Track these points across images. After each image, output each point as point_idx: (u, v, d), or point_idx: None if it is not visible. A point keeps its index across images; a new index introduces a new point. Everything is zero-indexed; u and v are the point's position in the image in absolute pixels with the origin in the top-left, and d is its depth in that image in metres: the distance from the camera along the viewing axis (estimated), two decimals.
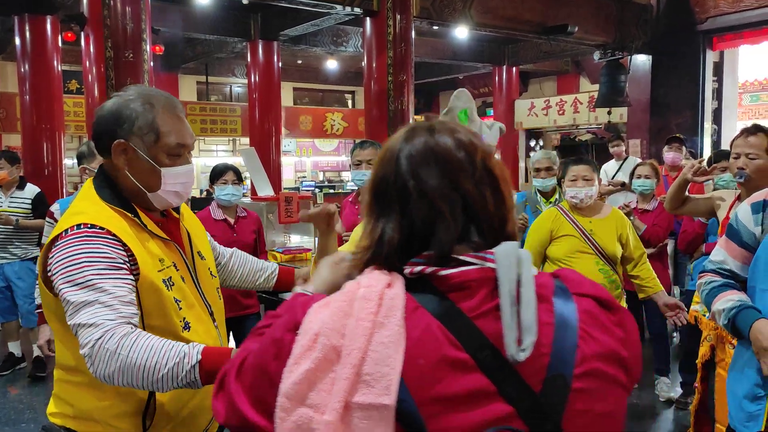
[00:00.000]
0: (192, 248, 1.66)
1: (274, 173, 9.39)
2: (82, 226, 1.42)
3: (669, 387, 4.52)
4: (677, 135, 6.10)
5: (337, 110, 14.67)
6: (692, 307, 3.26)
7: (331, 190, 12.62)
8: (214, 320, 1.64)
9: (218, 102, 13.86)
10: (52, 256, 1.41)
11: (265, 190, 4.59)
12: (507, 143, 12.38)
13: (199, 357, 1.29)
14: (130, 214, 1.51)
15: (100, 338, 1.29)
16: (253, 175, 4.74)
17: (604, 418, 0.84)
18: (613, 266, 3.27)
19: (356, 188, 3.78)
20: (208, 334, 1.59)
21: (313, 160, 15.82)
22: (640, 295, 3.43)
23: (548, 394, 0.80)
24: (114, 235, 1.43)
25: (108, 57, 5.19)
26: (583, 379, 0.82)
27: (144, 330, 1.37)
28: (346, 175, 14.79)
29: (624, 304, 3.36)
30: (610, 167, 6.96)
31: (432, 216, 0.85)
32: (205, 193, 11.50)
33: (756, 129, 2.84)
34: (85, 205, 1.50)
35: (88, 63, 5.44)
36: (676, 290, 5.37)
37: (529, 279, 0.83)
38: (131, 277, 1.41)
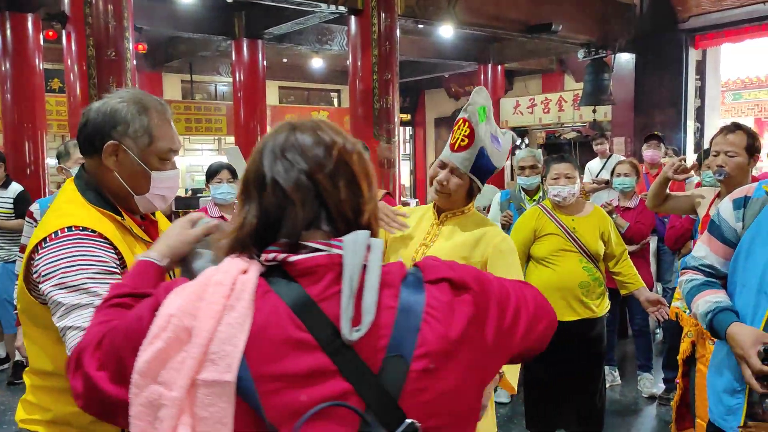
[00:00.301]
0: None
1: None
2: (73, 229, 1.41)
3: (651, 383, 4.57)
4: (655, 133, 6.16)
5: (323, 109, 14.64)
6: (673, 303, 3.29)
7: None
8: None
9: (203, 101, 13.77)
10: (40, 258, 1.40)
11: None
12: None
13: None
14: (117, 217, 1.53)
15: None
16: (238, 173, 4.74)
17: (446, 396, 0.90)
18: (596, 263, 3.30)
19: None
20: None
21: None
22: (622, 292, 3.46)
23: (387, 373, 0.86)
24: (105, 238, 1.43)
25: (90, 55, 5.13)
26: (423, 359, 0.88)
27: None
28: None
29: (607, 301, 3.38)
30: (594, 165, 7.00)
31: (284, 205, 0.92)
32: (190, 192, 11.43)
33: (735, 127, 2.87)
34: (71, 208, 1.49)
35: (69, 61, 5.39)
36: (659, 287, 5.41)
37: (376, 266, 0.90)
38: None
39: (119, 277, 1.39)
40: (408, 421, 0.86)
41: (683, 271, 2.01)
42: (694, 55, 9.07)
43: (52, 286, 1.35)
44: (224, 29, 9.19)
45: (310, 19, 7.99)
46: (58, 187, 8.51)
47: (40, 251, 1.40)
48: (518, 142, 14.45)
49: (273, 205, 0.94)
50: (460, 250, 2.04)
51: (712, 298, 1.82)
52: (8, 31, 6.58)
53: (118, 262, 1.42)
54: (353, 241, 0.90)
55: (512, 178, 12.50)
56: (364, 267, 0.90)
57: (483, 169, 2.07)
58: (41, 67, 7.16)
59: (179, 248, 1.28)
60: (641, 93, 9.33)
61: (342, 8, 6.90)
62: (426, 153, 16.75)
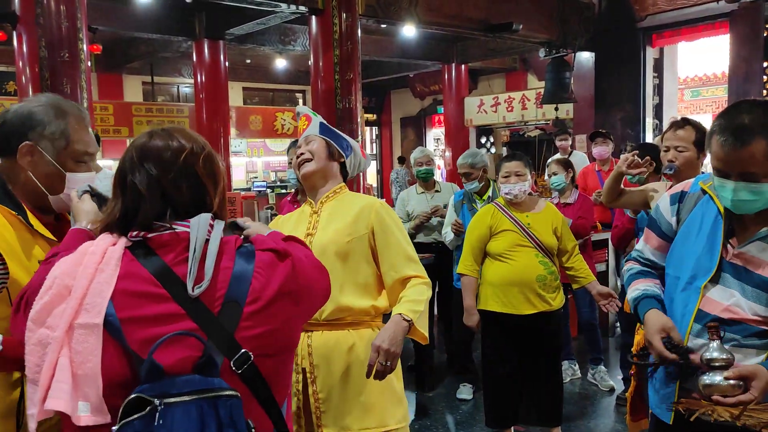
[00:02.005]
0: None
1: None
2: None
3: (606, 374, 4.62)
4: (600, 130, 6.30)
5: (288, 110, 14.54)
6: (627, 297, 3.34)
7: (283, 190, 12.51)
8: None
9: (165, 103, 13.58)
10: None
11: None
12: (458, 140, 12.48)
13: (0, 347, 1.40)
14: (15, 213, 1.54)
15: None
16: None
17: (273, 333, 1.21)
18: (551, 258, 3.35)
19: (296, 187, 3.77)
20: None
21: (264, 160, 15.65)
22: (574, 286, 3.51)
23: (224, 315, 1.17)
24: None
25: (42, 57, 5.01)
26: (252, 305, 1.19)
27: None
28: None
29: (562, 295, 3.43)
30: None
31: (139, 202, 1.21)
32: None
33: (684, 122, 2.93)
34: None
35: (21, 63, 5.26)
36: (617, 281, 5.50)
37: (216, 238, 1.21)
38: None
39: None
40: (242, 350, 1.16)
41: (627, 261, 2.06)
42: (651, 53, 9.23)
43: None
44: (184, 30, 9.07)
45: (272, 19, 7.94)
46: None
47: None
48: (483, 140, 14.57)
49: (131, 201, 1.22)
50: (343, 231, 2.13)
51: (641, 286, 1.88)
52: None
53: None
54: (197, 221, 1.21)
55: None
56: (207, 241, 1.20)
57: (333, 135, 2.25)
58: None
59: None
60: (601, 91, 9.47)
61: (302, 8, 6.86)
62: (392, 153, 16.77)
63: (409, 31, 8.42)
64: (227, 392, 1.10)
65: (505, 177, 3.34)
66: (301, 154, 2.22)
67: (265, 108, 14.67)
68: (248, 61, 13.75)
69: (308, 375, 2.09)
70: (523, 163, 3.36)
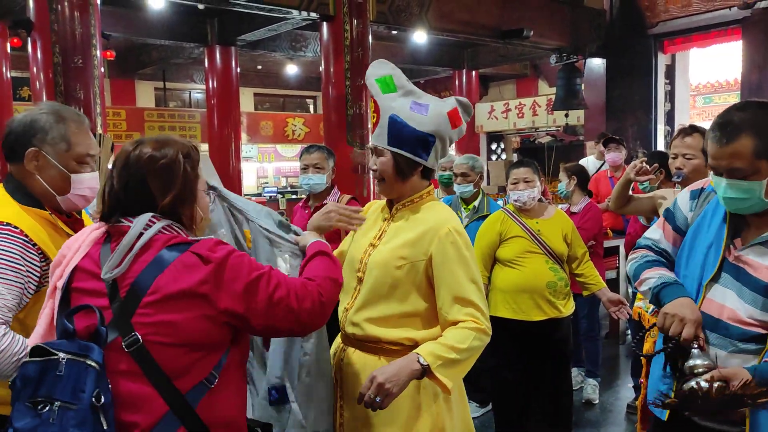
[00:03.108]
0: None
1: (233, 179, 9.30)
2: None
3: (594, 390, 4.52)
4: (614, 136, 6.18)
5: (299, 115, 14.61)
6: (636, 304, 3.32)
7: (294, 196, 12.54)
8: None
9: (176, 108, 13.68)
10: None
11: None
12: (468, 146, 12.48)
13: None
14: (42, 212, 1.72)
15: None
16: (208, 181, 4.70)
17: (173, 325, 1.35)
18: (561, 264, 3.34)
19: (308, 193, 3.76)
20: None
21: (275, 165, 15.71)
22: (585, 293, 3.50)
23: (127, 299, 1.36)
24: (23, 233, 1.64)
25: (56, 63, 5.06)
26: (152, 296, 1.35)
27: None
28: None
29: (572, 302, 3.41)
30: (591, 164, 6.90)
31: (109, 202, 1.46)
32: None
33: (692, 129, 2.92)
34: None
35: (35, 69, 5.31)
36: (628, 288, 5.46)
37: (147, 235, 1.39)
38: (27, 279, 1.63)
39: (23, 273, 1.62)
40: (133, 333, 1.35)
41: (635, 250, 2.00)
42: (663, 59, 9.21)
43: None
44: (197, 36, 9.14)
45: (283, 25, 7.99)
46: None
47: None
48: (494, 147, 14.55)
49: (106, 197, 1.47)
50: (400, 250, 1.87)
51: (665, 273, 1.83)
52: None
53: (34, 259, 1.65)
54: (138, 219, 1.41)
55: (489, 183, 12.57)
56: (141, 235, 1.40)
57: (403, 137, 1.85)
58: (8, 76, 7.08)
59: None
60: (612, 97, 9.45)
61: (314, 15, 6.90)
62: None
63: (419, 37, 8.44)
64: (89, 362, 1.31)
65: (514, 183, 3.34)
66: (372, 167, 1.93)
67: (276, 114, 14.74)
68: (259, 67, 13.82)
69: (337, 388, 1.98)
70: (532, 169, 3.35)
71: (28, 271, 1.63)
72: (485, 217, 3.77)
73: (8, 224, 1.63)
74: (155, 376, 1.35)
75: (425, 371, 1.73)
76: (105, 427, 1.29)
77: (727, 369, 1.60)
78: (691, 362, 1.62)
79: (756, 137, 1.57)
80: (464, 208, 4.16)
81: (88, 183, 1.80)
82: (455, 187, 4.18)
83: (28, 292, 1.64)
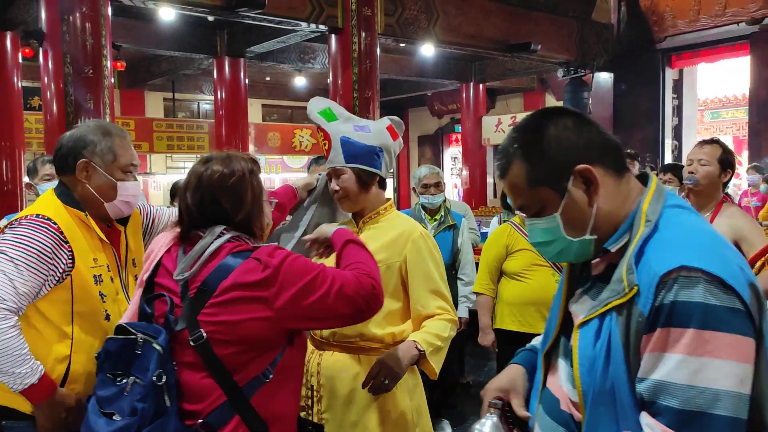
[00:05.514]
0: (128, 255, 2.06)
1: None
2: (37, 216, 1.81)
3: None
4: (628, 150, 6.20)
5: (306, 127, 14.64)
6: None
7: None
8: None
9: (185, 119, 13.75)
10: (3, 235, 1.79)
11: None
12: (475, 159, 12.49)
13: (35, 381, 1.73)
14: (80, 213, 1.90)
15: None
16: None
17: (234, 324, 1.46)
18: None
19: None
20: None
21: (282, 176, 15.73)
22: None
23: (196, 298, 1.49)
24: (61, 231, 1.81)
25: (67, 73, 5.11)
26: (219, 296, 1.47)
27: (72, 313, 1.83)
28: None
29: None
30: None
31: (183, 216, 1.61)
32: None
33: (713, 141, 2.92)
34: (42, 203, 1.91)
35: (46, 79, 5.36)
36: None
37: (215, 245, 1.52)
38: (51, 272, 1.78)
39: (50, 264, 1.77)
40: (199, 330, 1.46)
41: None
42: (670, 74, 9.22)
43: None
44: (206, 47, 9.21)
45: (292, 37, 8.04)
46: None
47: (5, 233, 1.80)
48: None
49: (185, 221, 1.62)
50: (375, 255, 1.86)
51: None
52: None
53: (60, 247, 1.79)
54: (210, 230, 1.55)
55: (495, 196, 12.54)
56: (211, 243, 1.53)
57: (357, 153, 2.05)
58: (20, 85, 7.14)
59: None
60: (620, 111, 9.45)
61: (322, 27, 6.95)
62: (410, 170, 16.80)
63: (427, 50, 8.48)
64: (155, 345, 1.45)
65: None
66: (334, 188, 2.10)
67: (284, 125, 14.78)
68: (268, 78, 13.90)
69: (315, 393, 2.07)
70: None
71: (54, 265, 1.78)
72: (451, 227, 3.88)
73: (48, 218, 1.81)
74: (216, 369, 1.47)
75: (420, 356, 1.94)
76: (168, 405, 1.43)
77: None
78: (477, 427, 1.32)
79: (524, 161, 1.21)
80: (429, 220, 4.13)
81: (132, 190, 1.98)
82: (428, 198, 4.11)
83: (49, 285, 1.79)
